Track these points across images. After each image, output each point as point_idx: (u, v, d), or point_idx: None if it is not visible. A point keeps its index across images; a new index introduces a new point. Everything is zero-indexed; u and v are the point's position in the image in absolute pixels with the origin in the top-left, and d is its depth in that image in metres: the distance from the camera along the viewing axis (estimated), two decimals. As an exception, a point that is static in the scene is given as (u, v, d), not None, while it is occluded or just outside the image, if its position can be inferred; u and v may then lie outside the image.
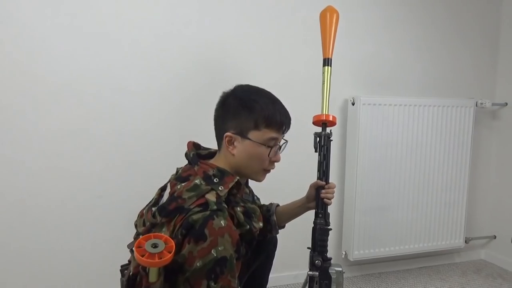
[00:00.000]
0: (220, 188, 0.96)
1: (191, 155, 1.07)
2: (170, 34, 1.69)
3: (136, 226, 1.09)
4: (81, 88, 1.60)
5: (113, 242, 1.68)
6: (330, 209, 2.00)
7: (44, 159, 1.58)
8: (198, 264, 0.86)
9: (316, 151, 1.27)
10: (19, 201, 1.57)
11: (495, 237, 2.37)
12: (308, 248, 1.28)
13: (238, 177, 1.01)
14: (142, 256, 0.83)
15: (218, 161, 1.06)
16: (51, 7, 1.53)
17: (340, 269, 1.28)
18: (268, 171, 1.11)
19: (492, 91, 2.31)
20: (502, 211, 2.32)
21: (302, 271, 1.25)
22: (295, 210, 1.36)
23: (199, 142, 1.17)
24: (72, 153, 1.61)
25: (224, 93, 1.10)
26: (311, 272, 1.23)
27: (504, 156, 2.30)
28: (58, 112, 1.58)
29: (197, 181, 0.97)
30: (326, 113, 1.29)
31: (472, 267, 2.31)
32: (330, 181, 1.31)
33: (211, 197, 0.93)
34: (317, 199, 1.28)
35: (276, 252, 1.40)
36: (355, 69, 2.00)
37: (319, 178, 1.26)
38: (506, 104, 2.26)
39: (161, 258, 0.83)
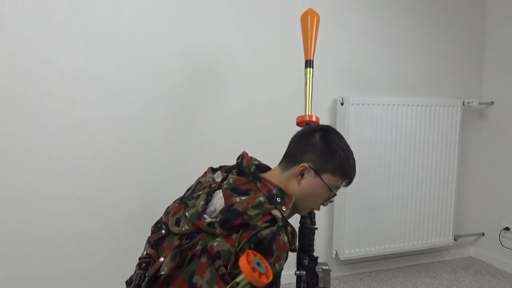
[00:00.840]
0: (283, 209, 0.99)
1: (252, 170, 1.05)
2: (159, 34, 1.70)
3: (163, 222, 1.05)
4: (71, 88, 1.60)
5: (104, 241, 1.68)
6: (321, 209, 2.04)
7: (34, 159, 1.58)
8: None
9: None
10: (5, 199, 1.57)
11: (483, 234, 2.41)
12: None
13: (294, 199, 1.03)
14: (254, 273, 0.82)
15: (277, 179, 1.06)
16: (43, 7, 1.53)
17: (327, 267, 1.29)
18: (312, 210, 1.19)
19: (479, 90, 2.34)
20: (490, 208, 2.35)
21: (289, 271, 1.27)
22: None
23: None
24: (62, 153, 1.62)
25: (314, 126, 1.16)
26: (298, 272, 1.25)
27: (491, 154, 2.33)
28: (46, 111, 1.58)
29: (261, 199, 0.97)
30: (310, 113, 1.32)
31: (461, 264, 2.34)
32: None
33: (277, 213, 0.96)
34: None
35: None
36: (344, 70, 2.02)
37: None
38: (492, 103, 2.29)
39: (267, 279, 0.83)
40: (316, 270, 1.28)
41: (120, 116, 1.68)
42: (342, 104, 1.95)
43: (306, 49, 1.39)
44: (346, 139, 1.11)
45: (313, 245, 1.30)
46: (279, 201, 0.99)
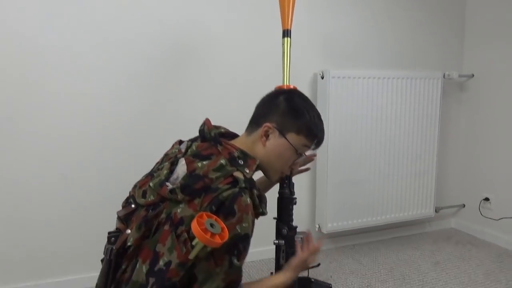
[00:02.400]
0: (246, 170, 0.97)
1: (213, 134, 1.05)
2: (136, 15, 1.66)
3: (131, 196, 1.04)
4: (55, 70, 1.56)
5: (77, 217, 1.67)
6: (303, 183, 2.06)
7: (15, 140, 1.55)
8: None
9: None
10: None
11: (464, 205, 2.45)
12: (274, 218, 1.30)
13: (258, 161, 1.02)
14: (206, 235, 0.81)
15: (242, 144, 1.04)
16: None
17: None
18: (283, 174, 1.14)
19: (459, 63, 2.35)
20: (471, 180, 2.39)
21: (269, 246, 1.27)
22: (266, 182, 1.37)
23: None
24: (41, 133, 1.59)
25: (279, 89, 1.15)
26: (277, 241, 1.25)
27: (471, 126, 2.36)
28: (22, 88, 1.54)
29: (222, 162, 0.95)
30: (288, 84, 1.32)
31: (443, 235, 2.39)
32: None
33: (239, 175, 0.94)
34: None
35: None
36: (324, 43, 2.00)
37: None
38: (473, 75, 2.30)
39: (221, 239, 0.84)
40: (295, 239, 1.29)
41: (97, 95, 1.65)
42: (322, 77, 1.94)
43: (283, 18, 1.38)
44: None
45: (291, 214, 1.31)
46: (242, 163, 0.98)
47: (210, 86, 1.81)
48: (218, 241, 0.83)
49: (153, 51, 1.71)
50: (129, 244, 0.93)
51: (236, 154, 0.98)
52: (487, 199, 2.27)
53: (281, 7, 1.38)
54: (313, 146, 1.11)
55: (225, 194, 0.90)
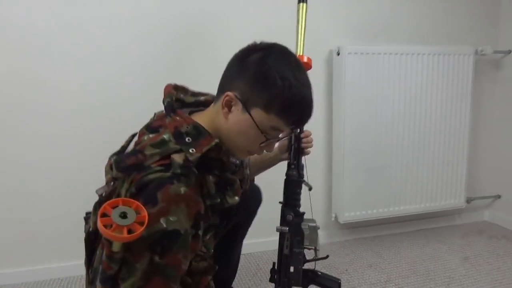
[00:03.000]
0: (191, 151, 0.79)
1: (165, 103, 0.87)
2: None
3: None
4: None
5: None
6: (319, 169, 1.91)
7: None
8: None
9: None
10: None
11: (499, 196, 2.23)
12: (280, 202, 1.16)
13: (217, 140, 0.83)
14: (108, 227, 0.68)
15: (205, 116, 0.89)
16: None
17: (314, 224, 1.17)
18: (252, 154, 0.94)
19: (494, 37, 2.12)
20: (507, 168, 2.16)
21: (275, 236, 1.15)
22: (266, 162, 1.25)
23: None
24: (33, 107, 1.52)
25: (254, 44, 0.86)
26: (280, 228, 1.12)
27: (507, 109, 2.13)
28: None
29: (165, 136, 0.81)
30: (301, 53, 1.18)
31: (474, 228, 2.18)
32: (305, 129, 1.20)
33: (177, 158, 0.78)
34: (290, 149, 1.17)
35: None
36: (341, 16, 1.84)
37: None
38: (510, 51, 2.07)
39: (130, 232, 0.68)
40: (302, 227, 1.16)
41: (108, 83, 1.57)
42: (338, 54, 1.78)
43: None
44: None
45: (298, 199, 1.17)
46: (189, 141, 0.80)
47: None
48: (124, 235, 0.67)
49: (163, 41, 1.60)
50: (89, 229, 0.84)
51: (184, 129, 0.81)
52: (525, 189, 2.06)
53: None
54: (288, 128, 0.87)
55: (151, 176, 0.74)
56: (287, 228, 1.12)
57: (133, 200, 0.71)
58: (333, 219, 1.94)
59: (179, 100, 0.93)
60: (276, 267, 1.14)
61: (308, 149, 1.20)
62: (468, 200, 2.13)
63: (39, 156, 1.55)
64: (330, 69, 1.85)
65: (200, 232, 0.81)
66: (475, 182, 2.20)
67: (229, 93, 0.83)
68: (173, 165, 0.76)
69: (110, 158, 0.88)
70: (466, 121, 2.00)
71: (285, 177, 1.16)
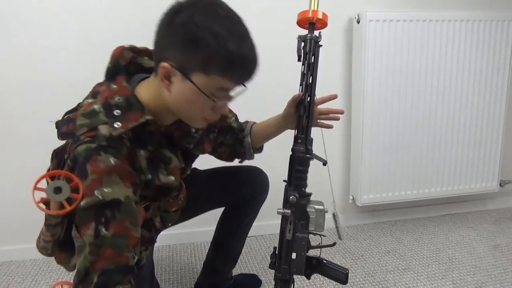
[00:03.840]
0: (115, 125, 0.75)
1: (109, 65, 0.84)
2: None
3: None
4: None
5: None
6: (336, 148, 1.79)
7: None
8: (82, 203, 0.72)
9: (299, 60, 1.00)
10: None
11: (537, 180, 2.03)
12: (284, 181, 1.04)
13: (149, 117, 0.79)
14: (40, 203, 0.73)
15: (145, 87, 0.83)
16: None
17: (321, 207, 1.05)
18: (209, 121, 0.88)
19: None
20: (548, 149, 1.96)
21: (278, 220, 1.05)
22: (270, 131, 1.15)
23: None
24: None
25: (177, 3, 0.76)
26: (282, 210, 1.02)
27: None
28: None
29: (95, 107, 0.77)
30: (315, 9, 1.00)
31: (508, 214, 2.00)
32: (317, 96, 1.06)
33: (103, 130, 0.75)
34: (297, 120, 1.02)
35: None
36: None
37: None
38: (558, 17, 1.83)
39: (70, 204, 0.72)
40: (308, 209, 1.05)
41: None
42: (358, 22, 1.62)
43: None
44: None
45: (305, 178, 1.04)
46: (117, 114, 0.76)
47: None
48: (66, 209, 0.72)
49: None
50: None
51: (114, 101, 0.77)
52: None
53: None
54: (235, 87, 0.80)
55: (79, 148, 0.73)
56: (289, 211, 1.02)
57: (58, 171, 0.75)
58: (350, 201, 1.82)
59: (135, 63, 0.87)
60: (277, 253, 1.05)
61: (325, 121, 1.08)
62: (502, 184, 1.95)
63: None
64: (350, 39, 1.69)
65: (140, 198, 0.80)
66: (510, 164, 2.01)
67: (164, 64, 0.75)
68: (98, 136, 0.74)
69: None
70: (503, 96, 1.81)
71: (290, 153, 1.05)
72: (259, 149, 1.20)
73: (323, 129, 1.12)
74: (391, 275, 1.44)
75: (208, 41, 0.72)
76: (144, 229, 0.87)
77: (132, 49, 0.87)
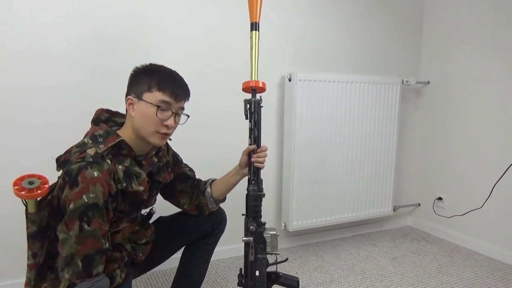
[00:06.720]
0: (100, 146, 1.08)
1: (92, 119, 1.19)
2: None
3: None
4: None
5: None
6: (270, 183, 2.10)
7: None
8: (71, 206, 1.00)
9: (246, 118, 1.27)
10: None
11: (419, 204, 2.60)
12: (243, 214, 1.31)
13: (121, 138, 1.11)
14: (22, 192, 1.02)
15: (124, 127, 1.19)
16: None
17: (274, 232, 1.32)
18: (164, 134, 1.17)
19: (416, 69, 2.50)
20: (426, 180, 2.54)
21: (238, 244, 1.30)
22: (230, 180, 1.40)
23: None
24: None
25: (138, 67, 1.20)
26: (245, 238, 1.27)
27: (426, 130, 2.51)
28: None
29: (85, 140, 1.12)
30: (256, 79, 1.26)
31: (400, 232, 2.52)
32: (262, 146, 1.32)
33: (90, 151, 1.07)
34: (250, 165, 1.29)
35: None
36: (293, 47, 2.07)
37: (250, 144, 1.29)
38: (429, 82, 2.46)
39: (38, 191, 1.03)
40: (264, 235, 1.31)
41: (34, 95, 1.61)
42: (289, 80, 2.00)
43: (252, 10, 1.30)
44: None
45: (259, 211, 1.31)
46: (100, 140, 1.10)
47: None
48: (35, 193, 1.03)
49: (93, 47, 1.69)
50: None
51: (98, 133, 1.11)
52: (440, 198, 2.43)
53: (249, 0, 1.30)
54: (171, 99, 1.14)
55: (73, 166, 1.03)
56: (252, 238, 1.27)
57: (33, 174, 1.06)
58: (282, 227, 2.14)
59: (111, 120, 1.23)
60: (243, 273, 1.29)
61: (259, 164, 1.30)
62: (395, 208, 2.46)
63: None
64: (282, 93, 2.06)
65: (110, 207, 1.08)
66: (400, 193, 2.55)
67: (128, 96, 1.16)
68: (86, 156, 1.05)
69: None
70: (394, 141, 2.33)
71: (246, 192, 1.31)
72: (222, 200, 1.45)
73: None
74: (321, 287, 1.77)
75: (151, 73, 1.15)
76: (116, 251, 1.16)
77: (108, 111, 1.22)
